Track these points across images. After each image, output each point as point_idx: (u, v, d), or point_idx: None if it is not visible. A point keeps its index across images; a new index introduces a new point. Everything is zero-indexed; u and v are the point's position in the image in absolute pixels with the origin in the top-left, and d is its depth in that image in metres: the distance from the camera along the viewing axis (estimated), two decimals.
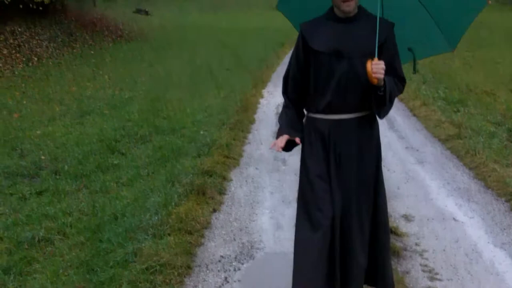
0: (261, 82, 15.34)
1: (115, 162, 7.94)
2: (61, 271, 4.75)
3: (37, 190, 6.91)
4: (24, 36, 20.99)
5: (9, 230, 5.68)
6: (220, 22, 41.23)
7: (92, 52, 22.70)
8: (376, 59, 3.44)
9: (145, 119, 10.62)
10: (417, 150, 8.38)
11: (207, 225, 5.70)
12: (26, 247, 5.28)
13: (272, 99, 12.70)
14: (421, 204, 6.29)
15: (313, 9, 3.93)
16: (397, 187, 6.75)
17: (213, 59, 20.78)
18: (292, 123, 3.88)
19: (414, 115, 10.75)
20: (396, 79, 3.74)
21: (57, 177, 7.40)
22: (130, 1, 49.13)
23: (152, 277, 4.47)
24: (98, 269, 4.71)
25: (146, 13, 41.58)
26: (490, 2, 4.38)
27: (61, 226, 5.71)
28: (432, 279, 4.62)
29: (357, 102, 3.67)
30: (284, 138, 3.75)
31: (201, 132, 9.35)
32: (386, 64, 3.46)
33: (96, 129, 9.98)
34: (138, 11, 41.62)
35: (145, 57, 21.91)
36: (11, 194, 6.83)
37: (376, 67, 3.38)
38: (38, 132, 9.90)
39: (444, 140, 8.71)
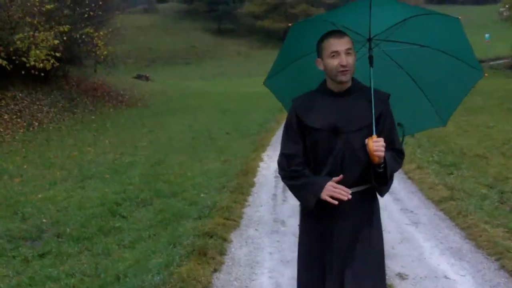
0: (260, 146, 15.60)
1: (117, 225, 8.08)
2: None
3: (40, 253, 7.04)
4: (25, 102, 21.45)
5: None
6: (220, 88, 41.86)
7: (93, 117, 23.10)
8: (375, 136, 3.43)
9: (146, 183, 10.82)
10: (412, 212, 8.53)
11: (208, 285, 5.82)
12: None
13: (272, 163, 12.90)
14: (415, 263, 6.42)
15: (302, 85, 3.90)
16: (392, 247, 6.88)
17: (213, 124, 21.21)
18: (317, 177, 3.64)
19: (409, 178, 10.93)
20: (394, 153, 3.69)
21: (59, 240, 7.54)
22: (131, 67, 49.98)
23: None
24: None
25: (147, 78, 42.15)
26: (487, 74, 4.18)
27: (63, 287, 5.84)
28: None
29: (354, 177, 3.58)
30: (339, 186, 3.50)
31: (202, 195, 9.53)
32: (384, 138, 3.46)
33: (97, 193, 10.16)
34: (139, 76, 42.20)
35: (146, 123, 22.32)
36: (14, 257, 6.96)
37: (377, 145, 3.37)
38: (39, 196, 10.11)
39: (438, 202, 8.87)
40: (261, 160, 13.49)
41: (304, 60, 4.02)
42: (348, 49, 3.54)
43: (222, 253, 6.84)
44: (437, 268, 6.24)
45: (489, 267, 6.22)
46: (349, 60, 3.52)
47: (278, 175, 10.82)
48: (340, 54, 3.51)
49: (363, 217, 3.68)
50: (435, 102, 4.26)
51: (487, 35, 49.85)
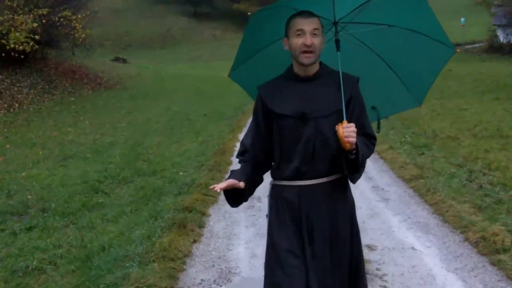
0: (237, 128, 15.93)
1: (100, 200, 8.40)
2: None
3: (27, 226, 7.31)
4: (5, 83, 21.58)
5: (3, 262, 6.08)
6: (196, 71, 41.99)
7: (72, 99, 23.27)
8: (345, 121, 3.26)
9: (126, 162, 11.13)
10: (383, 189, 8.92)
11: (188, 254, 6.20)
12: (21, 275, 5.69)
13: None
14: (383, 236, 6.81)
15: (270, 74, 3.73)
16: (363, 222, 7.23)
17: (190, 107, 21.53)
18: (242, 172, 3.55)
19: (381, 157, 11.31)
20: (366, 138, 3.55)
21: (45, 214, 7.82)
22: (108, 50, 49.90)
23: None
24: None
25: (124, 61, 42.19)
26: (459, 50, 4.11)
27: (52, 257, 6.13)
28: None
29: (327, 166, 3.45)
30: (226, 182, 3.42)
31: (181, 173, 9.88)
32: (354, 122, 3.30)
33: (79, 171, 10.45)
34: (116, 59, 42.22)
35: (124, 105, 22.55)
36: (2, 230, 7.24)
37: (348, 131, 3.18)
38: (23, 174, 10.36)
39: (408, 180, 9.27)
40: (238, 140, 13.77)
41: (269, 49, 3.89)
42: (315, 29, 3.39)
43: (201, 226, 7.22)
44: (404, 241, 6.63)
45: (454, 239, 6.62)
46: (314, 40, 3.38)
47: None
48: (305, 33, 3.37)
49: (338, 208, 3.52)
50: (408, 83, 4.14)
51: (462, 19, 50.46)
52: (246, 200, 3.66)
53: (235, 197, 3.58)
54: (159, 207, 7.78)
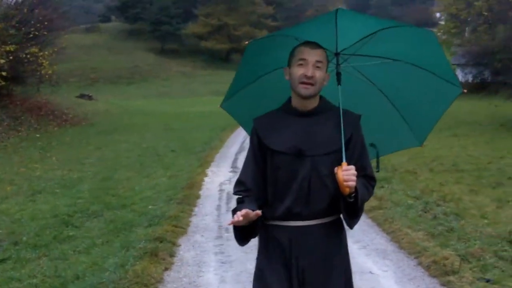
0: (205, 163, 16.22)
1: (71, 233, 8.61)
2: None
3: (0, 259, 7.52)
4: None
5: None
6: (164, 107, 42.35)
7: (38, 135, 23.38)
8: (345, 163, 3.10)
9: (95, 197, 11.35)
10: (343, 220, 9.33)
11: (160, 280, 6.53)
12: None
13: (216, 178, 13.59)
14: None
15: (264, 106, 3.59)
16: None
17: (159, 142, 21.78)
18: (251, 205, 3.24)
19: None
20: (365, 180, 3.34)
21: (17, 247, 7.99)
22: (73, 87, 50.01)
23: None
24: None
25: (90, 98, 42.31)
26: (465, 90, 3.79)
27: (27, 286, 6.37)
28: None
29: (322, 207, 3.27)
30: (244, 210, 3.04)
31: (150, 207, 10.16)
32: (354, 163, 3.16)
33: (48, 206, 10.64)
34: (82, 96, 42.34)
35: (92, 141, 22.68)
36: None
37: (347, 174, 3.01)
38: None
39: (367, 211, 9.67)
40: (206, 175, 14.14)
41: (265, 79, 3.77)
42: (318, 61, 3.26)
43: (172, 255, 7.52)
44: (363, 266, 7.05)
45: (409, 264, 7.09)
46: (316, 73, 3.24)
47: (222, 188, 11.61)
48: (308, 64, 3.23)
49: (332, 251, 3.35)
50: (411, 121, 3.99)
51: None
52: (256, 235, 3.41)
53: (245, 232, 3.31)
54: (130, 238, 8.06)
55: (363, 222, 9.14)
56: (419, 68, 3.69)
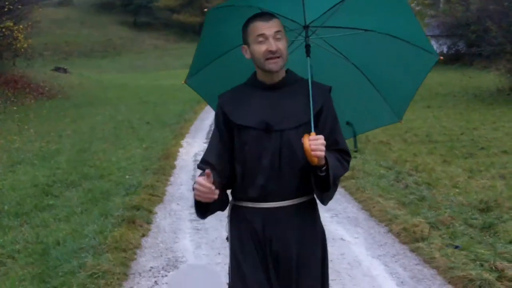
0: (180, 135, 16.50)
1: (51, 202, 8.82)
2: (17, 283, 5.67)
3: None
4: None
5: None
6: (137, 81, 42.32)
7: (15, 108, 23.35)
8: (313, 133, 2.92)
9: (73, 168, 11.54)
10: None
11: (138, 246, 6.79)
12: None
13: (190, 149, 13.87)
14: None
15: (233, 81, 3.37)
16: None
17: (133, 115, 21.99)
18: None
19: None
20: (339, 154, 3.17)
21: None
22: (48, 60, 49.62)
23: (96, 281, 5.53)
24: (50, 279, 5.70)
25: (65, 71, 42.06)
26: (442, 58, 3.61)
27: (10, 252, 6.59)
28: None
29: (295, 185, 3.11)
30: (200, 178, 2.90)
31: (127, 177, 10.38)
32: (325, 137, 2.95)
33: (28, 176, 10.82)
34: (57, 69, 42.08)
35: (68, 114, 22.84)
36: None
37: (315, 143, 2.82)
38: None
39: (340, 181, 9.98)
40: (181, 146, 14.43)
41: (232, 54, 3.55)
42: (277, 32, 3.06)
43: (149, 222, 7.80)
44: (334, 233, 7.31)
45: (379, 231, 7.38)
46: (278, 45, 3.05)
47: (196, 159, 11.82)
48: (267, 38, 3.04)
49: (306, 234, 3.20)
50: (388, 95, 3.73)
51: None
52: (213, 212, 3.21)
53: (204, 205, 3.07)
54: (108, 207, 8.28)
55: (336, 191, 9.41)
56: (393, 38, 3.46)
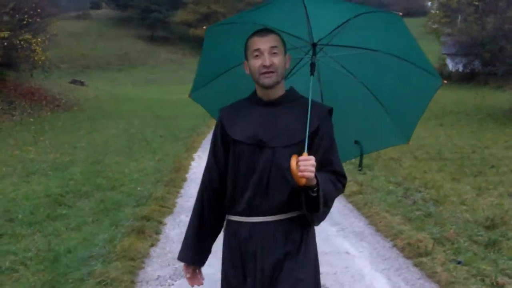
0: (192, 148, 16.75)
1: (63, 212, 9.00)
2: None
3: None
4: None
5: None
6: (152, 94, 42.62)
7: (32, 119, 23.76)
8: (305, 153, 2.88)
9: (86, 179, 11.73)
10: None
11: (146, 255, 6.94)
12: None
13: (202, 162, 13.90)
14: (321, 242, 7.48)
15: (236, 95, 3.38)
16: None
17: (147, 128, 22.27)
18: (199, 237, 3.40)
19: None
20: (333, 175, 3.12)
21: (12, 224, 8.38)
22: (64, 73, 50.12)
23: None
24: (59, 286, 5.86)
25: (82, 83, 42.49)
26: (445, 82, 3.51)
27: (22, 259, 6.74)
28: None
29: (282, 201, 3.07)
30: (190, 272, 3.46)
31: (138, 188, 10.56)
32: (320, 157, 2.99)
33: (42, 186, 11.02)
34: (74, 81, 42.52)
35: (83, 126, 23.16)
36: None
37: (304, 164, 2.79)
38: None
39: (348, 196, 10.09)
40: (192, 159, 14.63)
41: (237, 70, 3.54)
42: (273, 47, 3.07)
43: (158, 232, 7.96)
44: (340, 247, 7.44)
45: (384, 245, 7.48)
46: (273, 60, 3.06)
47: None
48: (263, 53, 3.06)
49: (290, 248, 3.12)
50: (396, 116, 3.72)
51: None
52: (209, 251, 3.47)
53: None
54: (119, 217, 8.46)
55: (344, 206, 9.55)
56: (399, 59, 3.47)
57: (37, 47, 27.01)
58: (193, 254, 3.41)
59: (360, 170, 3.64)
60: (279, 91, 3.19)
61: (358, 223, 8.63)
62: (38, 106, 27.25)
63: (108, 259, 6.56)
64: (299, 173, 2.76)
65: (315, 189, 2.90)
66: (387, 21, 3.33)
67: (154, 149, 16.54)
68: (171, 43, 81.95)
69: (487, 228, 7.89)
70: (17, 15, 26.79)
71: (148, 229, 7.79)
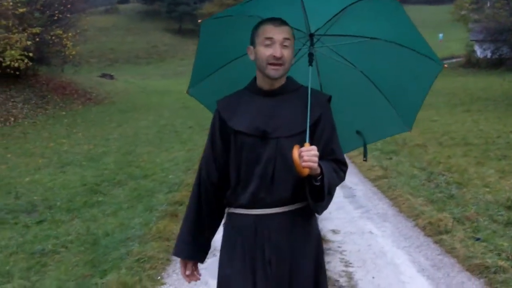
0: None
1: (99, 199, 9.50)
2: (70, 268, 6.27)
3: (37, 220, 8.43)
4: (1, 99, 22.61)
5: (22, 246, 7.16)
6: (181, 86, 42.99)
7: (64, 113, 24.35)
8: (307, 144, 2.83)
9: (120, 168, 12.23)
10: (350, 188, 10.04)
11: None
12: (38, 256, 6.77)
13: None
14: (346, 223, 7.93)
15: (234, 89, 3.26)
16: (329, 212, 8.30)
17: (176, 119, 22.75)
18: (198, 231, 3.34)
19: (352, 162, 12.39)
20: (335, 164, 3.06)
21: (52, 211, 8.90)
22: (94, 67, 50.80)
23: (142, 265, 6.12)
24: (100, 264, 6.29)
25: (112, 77, 42.98)
26: (446, 65, 3.45)
27: (63, 242, 7.22)
28: (346, 266, 6.26)
29: (288, 193, 3.01)
30: (185, 267, 3.34)
31: (170, 176, 11.01)
32: (322, 146, 2.96)
33: (77, 176, 11.55)
34: (104, 75, 43.03)
35: (114, 118, 23.66)
36: (16, 224, 8.33)
37: (307, 154, 2.73)
38: (27, 179, 11.44)
39: (373, 180, 10.41)
40: None
41: (235, 64, 3.53)
42: (286, 39, 2.98)
43: None
44: (364, 227, 7.78)
45: (406, 225, 7.79)
46: (284, 52, 2.97)
47: None
48: (275, 43, 2.96)
49: (299, 241, 3.08)
50: (397, 104, 3.67)
51: (440, 35, 51.33)
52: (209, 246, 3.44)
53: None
54: (152, 203, 8.91)
55: (369, 190, 9.87)
56: (398, 46, 3.37)
57: (68, 42, 27.56)
58: (193, 249, 3.36)
59: (365, 160, 3.64)
60: (280, 81, 3.10)
61: (382, 205, 8.93)
62: (69, 100, 27.81)
63: (145, 240, 6.99)
64: (303, 163, 2.72)
65: (318, 178, 2.86)
66: (385, 8, 3.22)
67: (184, 139, 17.04)
68: (198, 35, 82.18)
69: (508, 208, 8.11)
70: (47, 11, 27.43)
71: (181, 212, 8.13)
